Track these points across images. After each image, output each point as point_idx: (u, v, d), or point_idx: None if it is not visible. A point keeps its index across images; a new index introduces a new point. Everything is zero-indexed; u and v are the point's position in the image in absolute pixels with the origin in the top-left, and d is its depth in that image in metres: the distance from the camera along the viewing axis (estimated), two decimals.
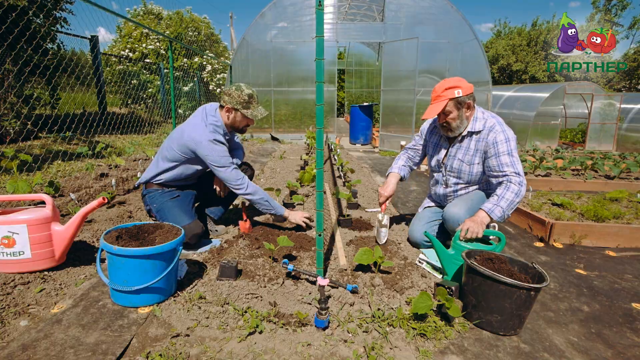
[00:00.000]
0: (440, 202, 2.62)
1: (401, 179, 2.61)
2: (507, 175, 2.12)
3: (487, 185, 2.39)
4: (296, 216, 2.59)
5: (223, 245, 2.42)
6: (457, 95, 2.12)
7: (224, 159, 2.32)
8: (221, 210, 2.76)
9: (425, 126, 2.60)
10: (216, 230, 2.71)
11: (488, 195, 2.26)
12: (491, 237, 2.10)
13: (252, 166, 2.96)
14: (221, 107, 2.40)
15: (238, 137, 2.80)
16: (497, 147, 2.13)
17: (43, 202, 2.05)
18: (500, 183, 2.15)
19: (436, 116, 2.25)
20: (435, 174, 2.57)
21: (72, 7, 6.41)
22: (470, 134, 2.26)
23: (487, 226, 2.11)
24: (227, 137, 2.46)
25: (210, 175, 2.65)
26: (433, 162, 2.54)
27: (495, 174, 2.18)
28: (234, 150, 2.67)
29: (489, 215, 2.05)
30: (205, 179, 2.66)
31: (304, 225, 2.59)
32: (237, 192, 2.40)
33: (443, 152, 2.44)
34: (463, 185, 2.41)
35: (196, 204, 2.62)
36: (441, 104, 2.14)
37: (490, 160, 2.18)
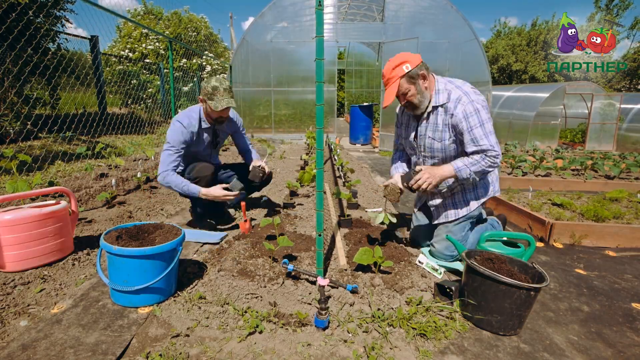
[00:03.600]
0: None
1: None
2: (484, 149, 1.97)
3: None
4: (214, 192, 2.49)
5: (223, 245, 2.42)
6: (406, 71, 1.97)
7: (172, 138, 2.50)
8: (236, 199, 2.97)
9: (397, 109, 2.43)
10: (208, 221, 2.78)
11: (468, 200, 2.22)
12: (520, 240, 2.05)
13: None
14: None
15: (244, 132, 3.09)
16: (468, 120, 1.96)
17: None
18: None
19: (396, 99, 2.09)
20: (412, 158, 2.41)
21: (72, 6, 6.40)
22: (435, 108, 2.09)
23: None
24: (207, 126, 2.68)
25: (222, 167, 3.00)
26: (407, 145, 2.38)
27: (470, 149, 2.01)
28: (235, 133, 3.00)
29: (455, 172, 1.99)
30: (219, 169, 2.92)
31: (222, 197, 2.49)
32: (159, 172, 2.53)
33: (413, 132, 2.26)
34: (440, 165, 2.18)
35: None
36: (395, 85, 2.01)
37: (464, 136, 2.01)
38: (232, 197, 2.52)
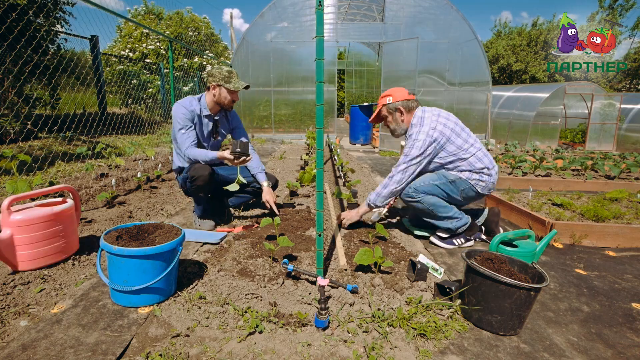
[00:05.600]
0: None
1: None
2: (397, 165, 2.48)
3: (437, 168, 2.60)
4: (226, 155, 2.53)
5: (223, 245, 2.42)
6: (387, 102, 2.53)
7: (179, 118, 2.60)
8: (240, 200, 3.08)
9: None
10: (199, 226, 2.74)
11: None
12: (522, 237, 2.17)
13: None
14: (208, 89, 2.73)
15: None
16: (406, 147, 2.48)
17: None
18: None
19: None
20: None
21: (72, 8, 6.40)
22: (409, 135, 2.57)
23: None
24: (207, 114, 2.74)
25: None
26: None
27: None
28: (236, 129, 3.00)
29: (369, 205, 2.59)
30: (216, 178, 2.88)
31: (231, 160, 2.56)
32: (180, 152, 2.65)
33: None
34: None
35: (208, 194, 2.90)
36: (377, 109, 2.60)
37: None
38: (237, 161, 2.53)
